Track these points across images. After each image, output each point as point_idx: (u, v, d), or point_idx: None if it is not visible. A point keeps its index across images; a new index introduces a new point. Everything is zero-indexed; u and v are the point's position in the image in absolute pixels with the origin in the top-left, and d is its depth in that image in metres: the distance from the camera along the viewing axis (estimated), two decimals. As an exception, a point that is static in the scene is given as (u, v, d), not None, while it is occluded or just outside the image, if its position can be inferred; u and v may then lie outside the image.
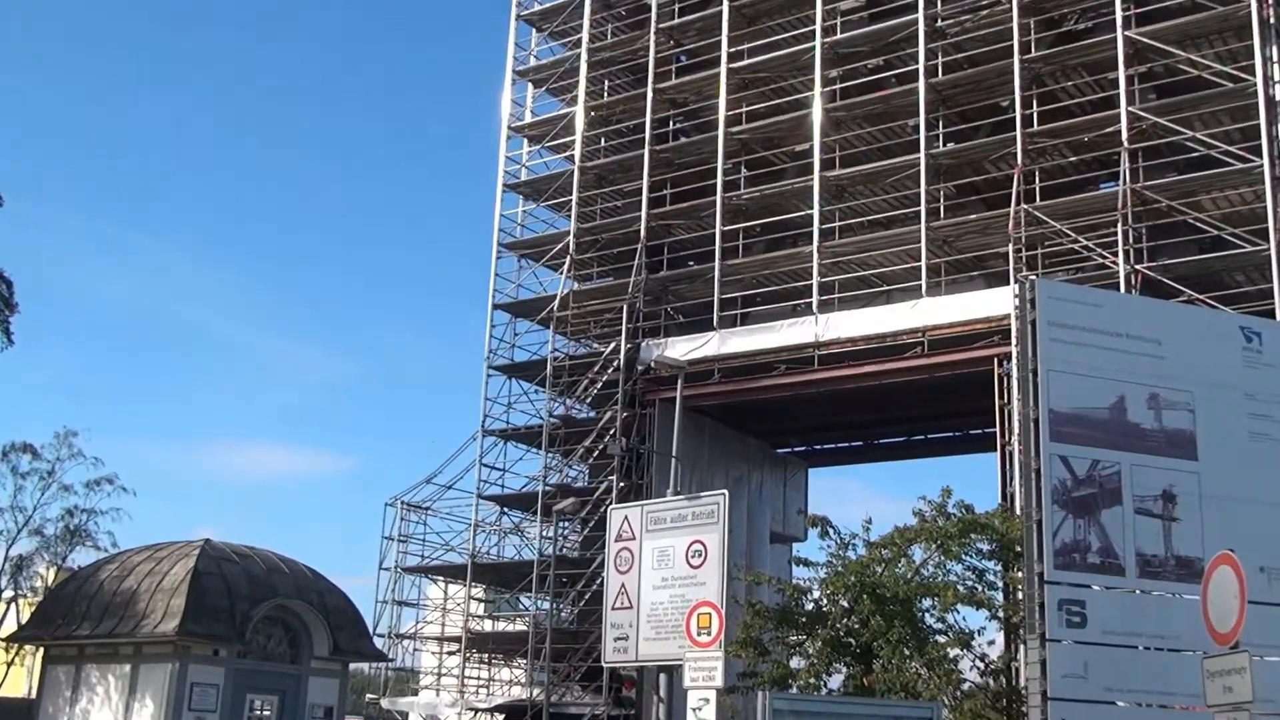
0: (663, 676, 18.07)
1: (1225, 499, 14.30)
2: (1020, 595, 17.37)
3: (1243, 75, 29.32)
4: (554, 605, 35.94)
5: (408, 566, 39.27)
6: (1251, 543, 13.54)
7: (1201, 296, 27.00)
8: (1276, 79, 29.50)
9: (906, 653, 18.69)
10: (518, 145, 42.26)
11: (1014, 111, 32.27)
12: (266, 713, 25.41)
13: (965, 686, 19.69)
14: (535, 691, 35.10)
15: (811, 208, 35.02)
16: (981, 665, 19.73)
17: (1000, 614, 19.64)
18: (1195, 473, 14.41)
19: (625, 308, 37.10)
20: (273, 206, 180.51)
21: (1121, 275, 28.97)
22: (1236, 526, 13.81)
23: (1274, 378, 15.11)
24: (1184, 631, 13.06)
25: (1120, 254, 29.30)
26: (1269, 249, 27.92)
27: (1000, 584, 19.89)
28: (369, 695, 45.30)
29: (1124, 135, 30.34)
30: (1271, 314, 26.46)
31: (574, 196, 39.48)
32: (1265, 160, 28.58)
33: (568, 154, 40.67)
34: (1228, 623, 9.91)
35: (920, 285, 32.60)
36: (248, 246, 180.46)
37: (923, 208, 33.00)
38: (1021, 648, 16.39)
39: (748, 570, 26.96)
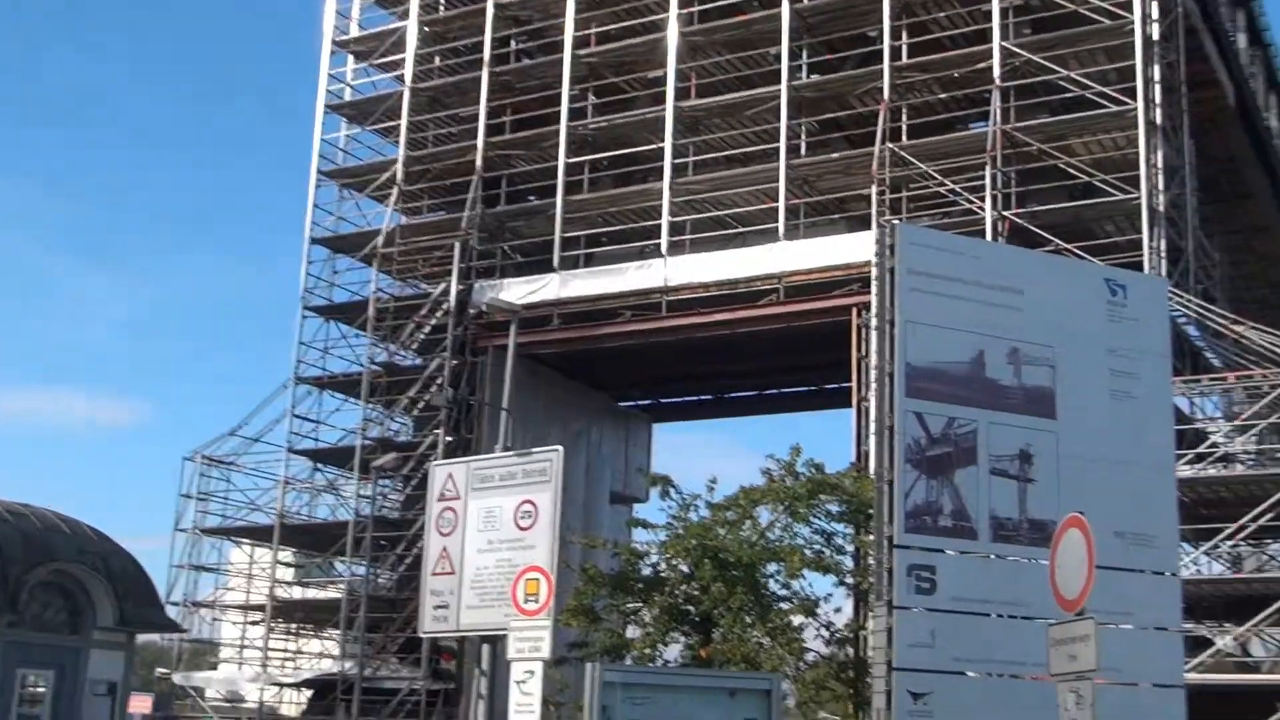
0: (485, 647, 18.02)
1: (1083, 459, 14.63)
2: (871, 560, 17.72)
3: (1120, 12, 30.16)
4: (370, 571, 35.65)
5: (207, 528, 38.58)
6: (1108, 505, 13.98)
7: (1069, 246, 27.81)
8: (1154, 17, 30.43)
9: (748, 621, 18.98)
10: (342, 62, 41.43)
11: (882, 43, 32.67)
12: (41, 689, 24.63)
13: (809, 657, 20.10)
14: (347, 664, 34.86)
15: (664, 141, 35.05)
16: (827, 634, 20.16)
17: (849, 580, 20.05)
18: (1053, 432, 14.70)
19: (457, 245, 36.75)
20: (70, 123, 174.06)
21: (988, 221, 29.69)
22: (1093, 488, 14.18)
23: (1137, 333, 15.48)
24: (1036, 599, 13.34)
25: (988, 199, 30.01)
26: (1140, 197, 28.88)
27: (850, 548, 20.28)
28: (160, 670, 44.48)
29: (996, 72, 31.01)
30: (1140, 266, 27.41)
31: (403, 121, 38.88)
32: (1140, 103, 29.51)
33: (397, 74, 39.97)
34: (1074, 589, 10.19)
35: (778, 228, 32.91)
36: (37, 165, 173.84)
37: (783, 144, 33.29)
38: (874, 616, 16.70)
39: (583, 533, 27.09)
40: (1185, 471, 26.54)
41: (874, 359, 14.90)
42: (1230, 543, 29.60)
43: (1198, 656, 26.58)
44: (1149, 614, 14.42)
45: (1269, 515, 27.46)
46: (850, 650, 19.90)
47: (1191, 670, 23.69)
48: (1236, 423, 30.33)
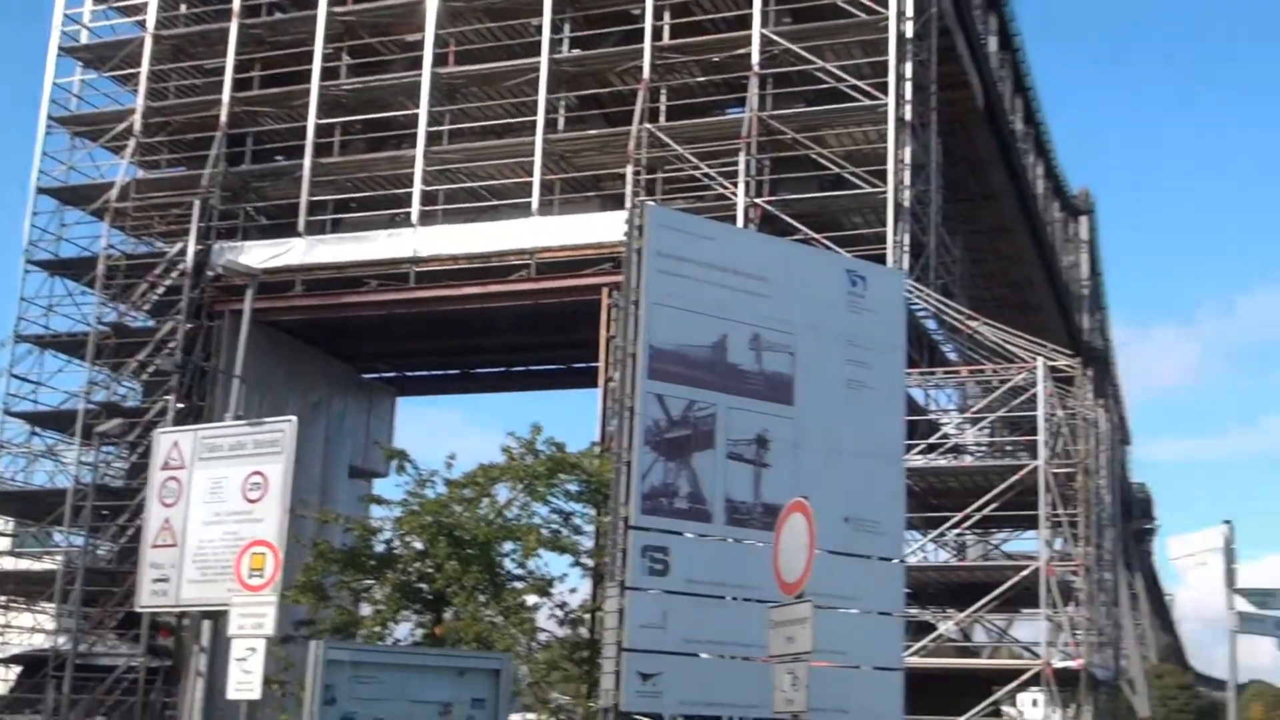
0: (206, 623, 17.66)
1: (817, 446, 15.09)
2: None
3: (877, 8, 31.16)
4: (89, 541, 34.46)
5: (-89, 491, 36.83)
6: (839, 492, 14.51)
7: (818, 236, 28.66)
8: (909, 15, 31.55)
9: (482, 600, 18.99)
10: (79, 2, 39.66)
11: (645, 22, 33.00)
12: None
13: (542, 637, 20.24)
14: (61, 640, 33.63)
15: (419, 107, 34.69)
16: (561, 614, 20.30)
17: (585, 560, 20.24)
18: (790, 418, 15.12)
19: (197, 203, 35.69)
20: None
21: (740, 207, 30.35)
22: (826, 475, 14.66)
23: (875, 324, 16.04)
24: (768, 582, 13.72)
25: (741, 185, 30.66)
26: (886, 192, 29.94)
27: (589, 528, 20.46)
28: None
29: (755, 59, 31.66)
30: (884, 259, 28.44)
31: (144, 69, 37.58)
32: (891, 99, 30.55)
33: (139, 18, 38.61)
34: (795, 572, 10.54)
35: (532, 203, 32.96)
36: None
37: (540, 118, 33.35)
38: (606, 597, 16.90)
39: (318, 507, 26.64)
40: (917, 461, 27.73)
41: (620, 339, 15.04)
42: (956, 531, 31.06)
43: (921, 641, 27.84)
44: (873, 599, 14.99)
45: (994, 505, 28.91)
46: (585, 631, 20.08)
47: (914, 654, 24.78)
48: (968, 415, 31.84)
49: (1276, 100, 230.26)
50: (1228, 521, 17.80)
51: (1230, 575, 17.40)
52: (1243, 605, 17.42)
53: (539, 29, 34.12)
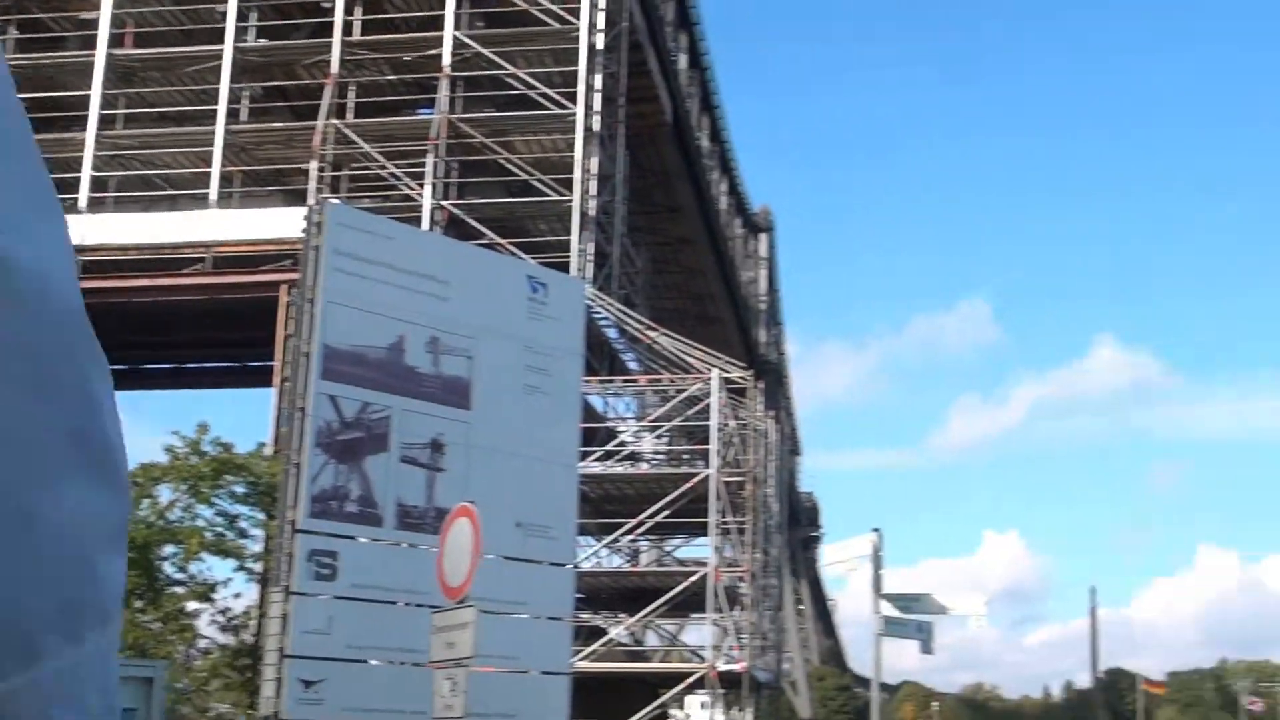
0: None
1: (493, 451, 15.06)
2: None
3: (569, 18, 31.45)
4: None
5: None
6: (513, 497, 14.51)
7: (504, 241, 28.70)
8: (600, 28, 31.96)
9: (139, 606, 18.22)
10: None
11: (335, 16, 32.42)
12: None
13: (203, 643, 19.60)
14: None
15: (92, 88, 33.12)
16: (223, 620, 19.67)
17: (252, 564, 19.67)
18: (466, 422, 15.05)
19: None
20: None
21: (426, 209, 30.12)
22: (500, 480, 14.64)
23: (554, 331, 16.13)
24: (438, 587, 13.60)
25: (428, 187, 30.44)
26: (572, 200, 30.24)
27: (256, 531, 19.92)
28: None
29: (446, 60, 31.48)
30: (569, 267, 28.69)
31: None
32: (580, 109, 30.88)
33: None
34: (459, 577, 10.46)
35: (210, 194, 31.89)
36: None
37: (222, 106, 32.33)
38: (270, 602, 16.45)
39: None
40: (594, 468, 28.06)
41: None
42: (630, 537, 31.57)
43: (592, 645, 28.13)
44: (544, 604, 15.07)
45: (667, 512, 29.51)
46: (249, 637, 19.51)
47: (585, 658, 25.01)
48: (645, 423, 32.42)
49: (946, 126, 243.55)
50: (876, 530, 18.64)
51: (877, 581, 18.18)
52: (888, 609, 18.24)
53: (224, 15, 33.08)
